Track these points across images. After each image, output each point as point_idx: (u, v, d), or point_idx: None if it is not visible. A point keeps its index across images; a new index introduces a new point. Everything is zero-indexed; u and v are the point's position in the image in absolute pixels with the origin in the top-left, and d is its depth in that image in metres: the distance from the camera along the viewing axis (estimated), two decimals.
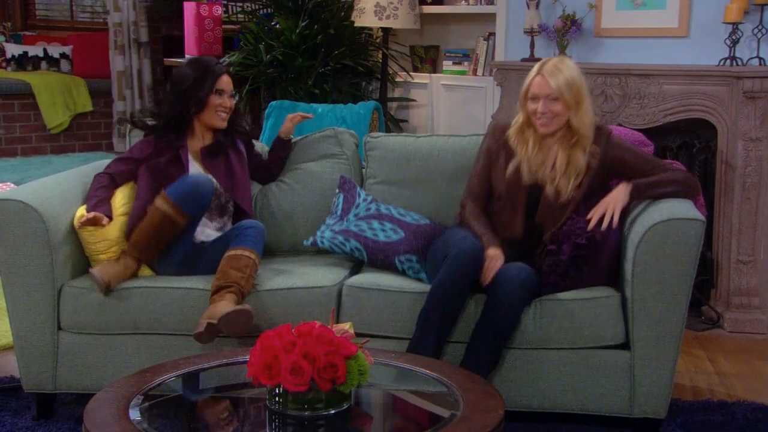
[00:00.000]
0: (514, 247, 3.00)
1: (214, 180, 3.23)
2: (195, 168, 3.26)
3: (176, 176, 3.15)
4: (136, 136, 3.53)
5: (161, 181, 3.15)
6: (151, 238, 2.99)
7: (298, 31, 5.43)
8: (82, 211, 3.05)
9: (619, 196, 2.92)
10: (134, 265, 3.00)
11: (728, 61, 4.11)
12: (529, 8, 4.80)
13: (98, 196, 3.12)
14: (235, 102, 3.35)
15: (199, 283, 3.01)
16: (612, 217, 2.88)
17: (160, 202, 2.99)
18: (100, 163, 3.39)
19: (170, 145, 3.26)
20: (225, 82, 3.30)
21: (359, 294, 2.97)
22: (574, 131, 3.00)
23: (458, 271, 2.81)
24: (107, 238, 3.07)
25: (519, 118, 3.10)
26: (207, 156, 3.29)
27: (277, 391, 2.15)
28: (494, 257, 2.88)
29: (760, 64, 4.08)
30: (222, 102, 3.28)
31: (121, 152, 3.48)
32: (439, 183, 3.44)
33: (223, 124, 3.32)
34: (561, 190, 2.98)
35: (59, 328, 3.00)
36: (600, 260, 2.90)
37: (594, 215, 2.89)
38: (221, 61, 4.93)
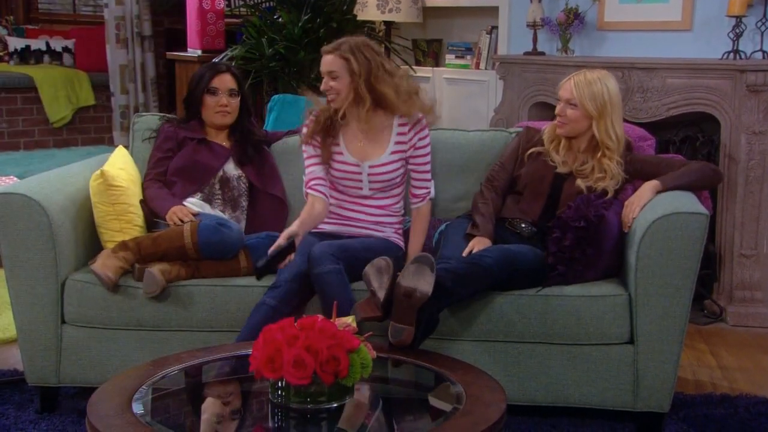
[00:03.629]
0: (533, 235, 3.10)
1: (242, 173, 3.36)
2: (229, 163, 3.36)
3: (209, 164, 3.30)
4: (139, 130, 3.54)
5: (194, 169, 3.30)
6: (159, 251, 3.00)
7: (300, 24, 5.43)
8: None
9: (643, 194, 2.98)
10: (132, 260, 3.00)
11: (731, 54, 4.10)
12: (531, 1, 4.79)
13: (163, 197, 3.21)
14: (236, 101, 3.39)
15: (204, 279, 3.02)
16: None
17: (186, 234, 3.00)
18: (103, 156, 3.40)
19: (191, 134, 3.37)
20: (219, 80, 3.35)
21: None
22: (598, 142, 3.12)
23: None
24: (128, 202, 3.13)
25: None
26: (239, 157, 3.39)
27: (279, 385, 2.15)
28: (478, 243, 2.98)
29: (764, 58, 4.07)
30: (217, 101, 3.34)
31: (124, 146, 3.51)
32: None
33: (225, 121, 3.37)
34: (609, 192, 3.07)
35: (63, 322, 3.01)
36: (603, 242, 2.91)
37: (623, 218, 2.96)
38: (224, 59, 4.95)
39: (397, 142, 3.16)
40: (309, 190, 3.16)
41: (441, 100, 5.63)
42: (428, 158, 3.23)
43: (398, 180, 3.22)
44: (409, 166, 3.22)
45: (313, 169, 3.18)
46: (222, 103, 3.34)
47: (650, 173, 3.09)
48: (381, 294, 2.62)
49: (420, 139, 3.18)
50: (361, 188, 3.18)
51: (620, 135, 3.13)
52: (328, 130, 3.17)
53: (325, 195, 3.16)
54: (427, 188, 3.25)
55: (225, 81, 3.36)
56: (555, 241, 2.92)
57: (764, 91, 3.94)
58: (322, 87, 3.11)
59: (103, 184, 3.08)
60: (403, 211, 3.30)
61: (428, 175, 3.25)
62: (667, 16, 4.44)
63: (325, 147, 3.17)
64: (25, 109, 7.53)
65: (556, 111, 3.17)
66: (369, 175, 3.16)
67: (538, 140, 3.25)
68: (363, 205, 3.20)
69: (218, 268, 3.04)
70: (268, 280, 2.99)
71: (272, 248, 2.99)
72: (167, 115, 3.57)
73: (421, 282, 2.58)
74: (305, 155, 3.22)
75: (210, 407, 2.42)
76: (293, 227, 3.03)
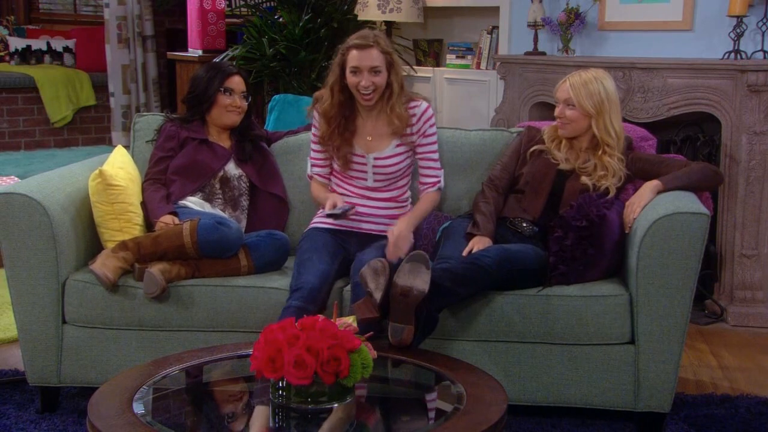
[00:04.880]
0: (534, 235, 3.09)
1: (242, 173, 3.36)
2: (230, 163, 3.36)
3: (210, 164, 3.30)
4: (140, 130, 3.54)
5: (194, 169, 3.30)
6: (158, 251, 2.99)
7: (301, 24, 5.43)
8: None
9: (644, 194, 2.98)
10: (132, 260, 3.00)
11: (732, 54, 4.10)
12: (532, 1, 4.79)
13: (156, 204, 3.19)
14: (248, 103, 3.40)
15: (204, 279, 3.02)
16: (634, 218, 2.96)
17: (185, 233, 2.99)
18: (103, 156, 3.40)
19: (194, 134, 3.36)
20: (234, 81, 3.37)
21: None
22: (599, 140, 3.13)
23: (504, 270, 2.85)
24: (127, 201, 3.12)
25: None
26: (238, 156, 3.39)
27: (280, 385, 2.15)
28: (478, 242, 2.97)
29: (765, 58, 4.07)
30: (232, 101, 3.35)
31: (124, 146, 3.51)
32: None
33: (235, 121, 3.39)
34: (611, 190, 3.06)
35: (64, 322, 3.01)
36: (604, 241, 2.91)
37: (624, 218, 2.97)
38: (224, 59, 4.95)
39: (403, 135, 3.17)
40: (315, 176, 3.29)
41: (442, 100, 5.64)
42: (436, 146, 3.23)
43: (403, 171, 3.23)
44: (417, 156, 3.23)
45: (317, 162, 3.28)
46: (236, 104, 3.36)
47: (651, 173, 3.10)
48: (378, 295, 2.62)
49: (430, 126, 3.19)
50: (365, 179, 3.19)
51: (619, 132, 3.14)
52: (342, 132, 3.17)
53: (328, 180, 3.28)
54: (437, 177, 3.25)
55: (238, 83, 3.38)
56: (556, 240, 2.92)
57: (765, 91, 3.94)
58: (363, 83, 3.04)
59: (102, 184, 3.08)
60: (410, 201, 3.30)
61: (437, 164, 3.25)
62: (668, 16, 4.43)
63: (339, 150, 3.18)
64: (25, 109, 7.54)
65: (556, 113, 3.18)
66: (374, 167, 3.17)
67: (540, 139, 3.26)
68: (370, 198, 3.20)
69: (218, 267, 3.04)
70: (277, 280, 3.00)
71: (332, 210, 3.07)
72: (170, 115, 3.56)
73: (417, 280, 2.58)
74: (314, 148, 3.28)
75: (210, 407, 2.42)
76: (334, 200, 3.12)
